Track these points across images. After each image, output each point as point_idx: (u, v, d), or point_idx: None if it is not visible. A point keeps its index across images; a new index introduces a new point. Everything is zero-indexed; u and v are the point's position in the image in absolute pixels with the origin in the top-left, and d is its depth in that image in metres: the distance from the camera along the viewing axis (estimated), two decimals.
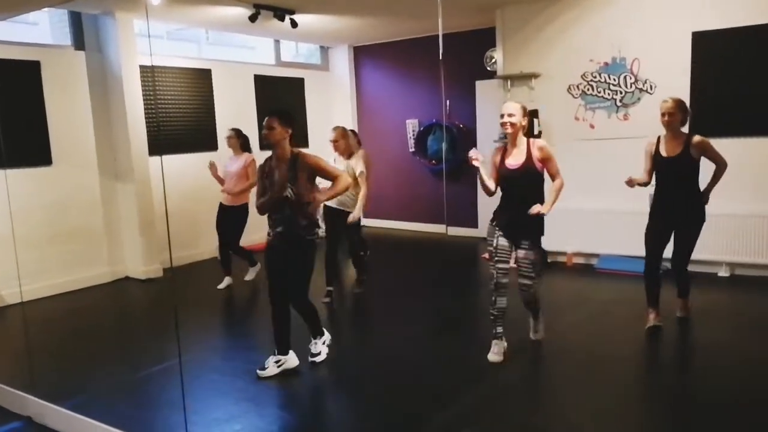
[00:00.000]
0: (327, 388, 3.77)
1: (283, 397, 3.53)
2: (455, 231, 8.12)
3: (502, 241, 3.81)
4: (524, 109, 3.75)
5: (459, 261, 6.98)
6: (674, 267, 4.40)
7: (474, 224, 8.02)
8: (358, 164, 5.21)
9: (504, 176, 3.79)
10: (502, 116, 3.74)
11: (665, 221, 4.24)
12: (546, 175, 3.82)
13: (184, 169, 6.95)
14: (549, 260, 6.37)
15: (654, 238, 4.30)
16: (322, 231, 4.31)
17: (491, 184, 3.82)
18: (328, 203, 4.91)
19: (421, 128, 8.34)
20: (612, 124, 6.07)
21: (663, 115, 4.13)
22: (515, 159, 3.76)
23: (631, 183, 4.23)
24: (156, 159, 6.48)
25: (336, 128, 5.38)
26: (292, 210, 3.64)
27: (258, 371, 3.76)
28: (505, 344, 3.91)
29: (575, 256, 6.27)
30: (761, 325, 4.40)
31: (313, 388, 3.71)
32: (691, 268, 5.42)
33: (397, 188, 8.76)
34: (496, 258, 3.83)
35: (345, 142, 5.31)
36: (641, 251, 5.58)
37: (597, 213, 6.02)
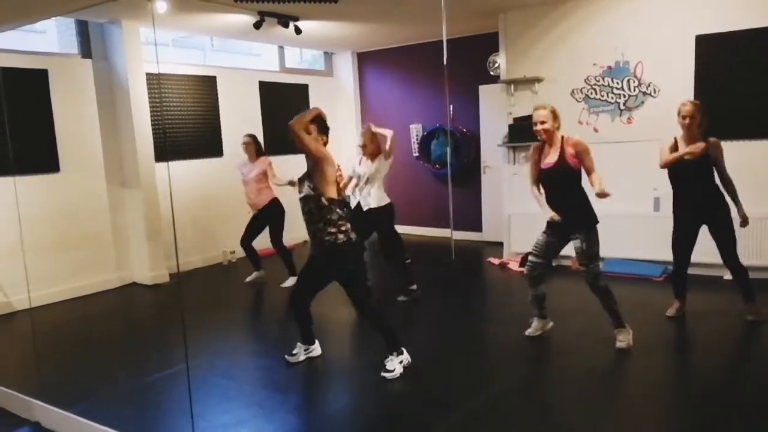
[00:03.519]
0: (336, 392, 3.78)
1: (292, 402, 3.54)
2: (460, 235, 8.13)
3: (540, 237, 4.13)
4: (553, 112, 3.96)
5: (464, 265, 6.97)
6: (726, 264, 4.44)
7: (478, 228, 8.03)
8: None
9: (541, 176, 4.05)
10: (534, 124, 3.98)
11: (695, 221, 4.35)
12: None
13: (191, 175, 7.00)
14: (554, 264, 6.36)
15: (681, 240, 4.42)
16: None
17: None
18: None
19: (425, 133, 8.37)
20: (616, 127, 6.08)
21: (684, 117, 4.20)
22: (550, 158, 4.00)
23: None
24: (162, 165, 6.52)
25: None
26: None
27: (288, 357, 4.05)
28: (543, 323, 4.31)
29: None
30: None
31: (322, 392, 3.72)
32: (694, 271, 5.43)
33: (402, 193, 8.77)
34: (531, 251, 4.18)
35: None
36: (647, 255, 5.58)
37: (602, 216, 5.90)
